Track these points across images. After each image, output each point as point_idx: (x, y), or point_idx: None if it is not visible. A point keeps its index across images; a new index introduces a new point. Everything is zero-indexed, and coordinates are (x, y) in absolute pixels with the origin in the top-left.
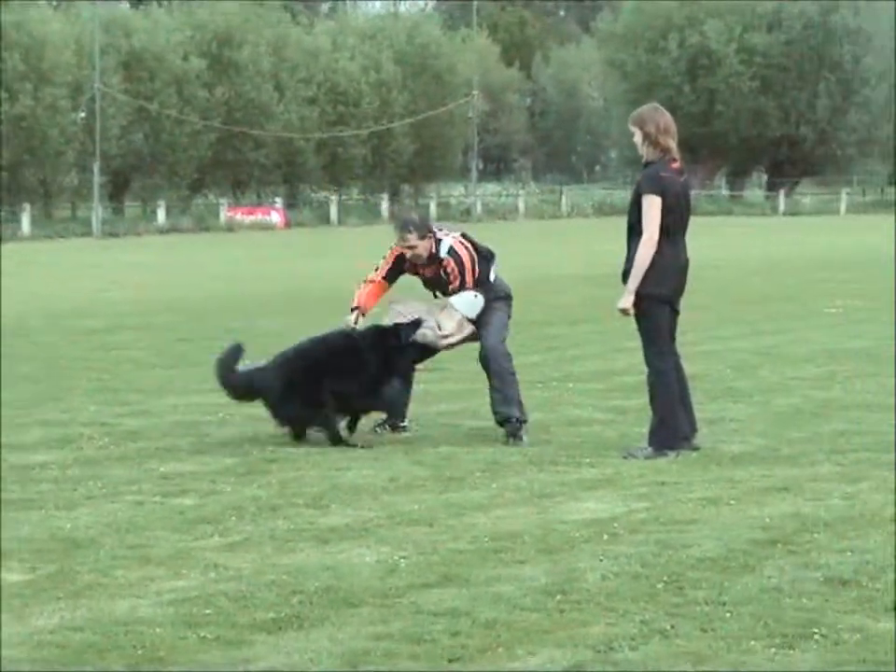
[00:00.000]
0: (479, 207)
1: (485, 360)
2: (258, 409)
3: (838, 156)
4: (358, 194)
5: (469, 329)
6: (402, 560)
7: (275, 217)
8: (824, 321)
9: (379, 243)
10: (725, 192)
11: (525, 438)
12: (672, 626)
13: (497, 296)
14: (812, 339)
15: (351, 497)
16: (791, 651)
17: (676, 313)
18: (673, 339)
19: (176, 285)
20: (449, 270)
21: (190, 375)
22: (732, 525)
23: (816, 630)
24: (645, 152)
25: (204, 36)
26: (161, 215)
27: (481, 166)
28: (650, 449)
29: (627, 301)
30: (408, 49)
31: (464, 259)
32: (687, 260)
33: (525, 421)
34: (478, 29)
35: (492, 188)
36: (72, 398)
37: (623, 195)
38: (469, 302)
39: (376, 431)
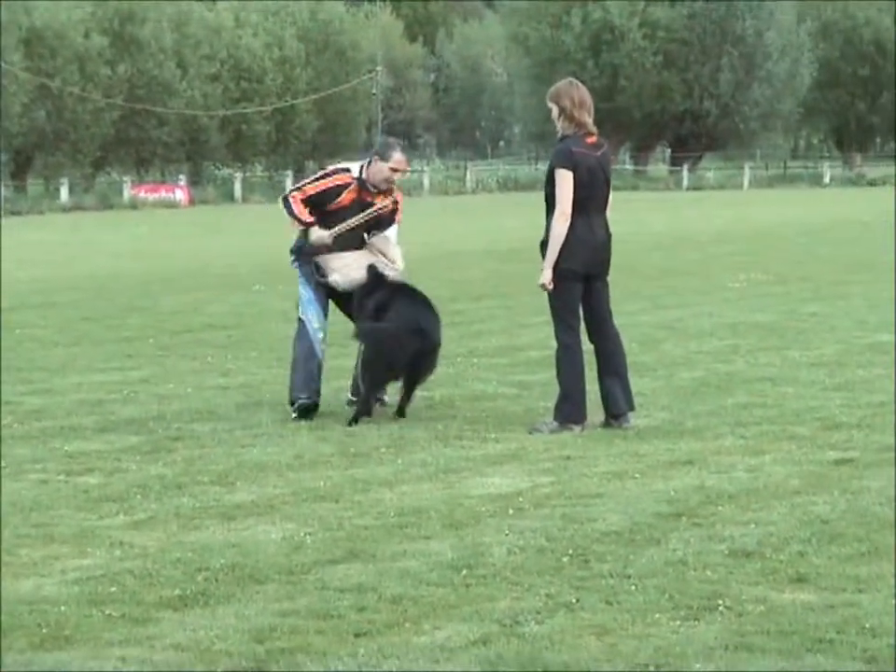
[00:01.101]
0: None
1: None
2: (162, 387)
3: (741, 130)
4: (262, 171)
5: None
6: (308, 536)
7: (179, 195)
8: (727, 295)
9: (283, 219)
10: (629, 167)
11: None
12: (577, 600)
13: None
14: (715, 313)
15: (256, 475)
16: (696, 623)
17: (605, 285)
18: (609, 311)
19: (80, 263)
20: (399, 202)
21: (94, 353)
22: (637, 498)
23: (720, 602)
24: (560, 127)
25: (106, 13)
26: (64, 193)
27: None
28: (554, 423)
29: (545, 276)
30: (311, 26)
31: (400, 201)
32: (606, 236)
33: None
34: (381, 5)
35: None
36: None
37: (528, 171)
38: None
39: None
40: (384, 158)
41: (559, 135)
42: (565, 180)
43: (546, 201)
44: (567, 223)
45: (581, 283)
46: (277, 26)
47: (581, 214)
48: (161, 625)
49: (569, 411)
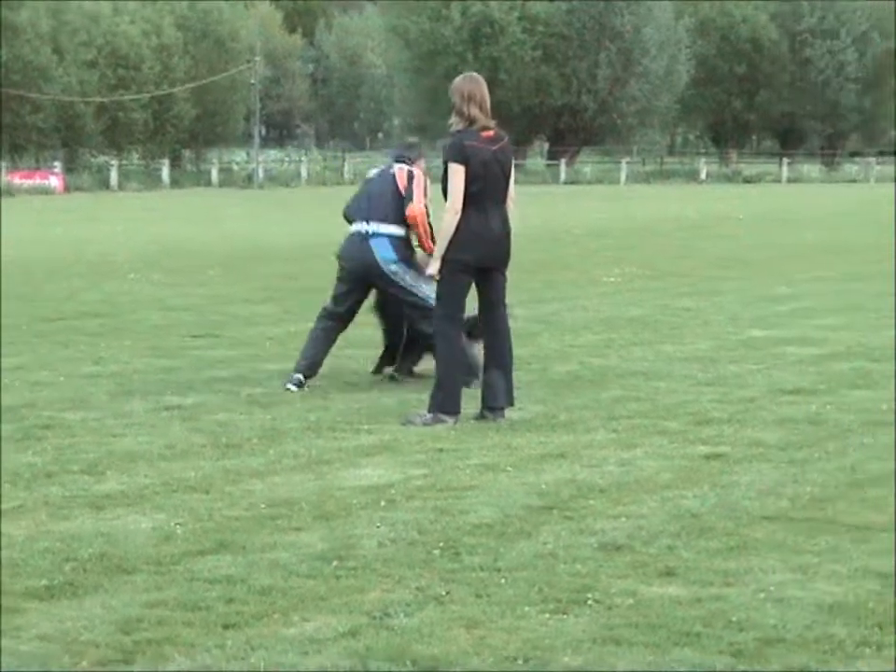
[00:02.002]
0: (261, 174)
1: None
2: (35, 375)
3: (618, 125)
4: (139, 159)
5: None
6: (178, 527)
7: (54, 182)
8: (603, 289)
9: (159, 207)
10: None
11: (289, 387)
12: (447, 592)
13: None
14: (590, 307)
15: (127, 464)
16: (565, 616)
17: (503, 279)
18: (504, 305)
19: None
20: None
21: None
22: (508, 491)
23: (589, 595)
24: (453, 121)
25: None
26: None
27: (263, 132)
28: (428, 415)
29: (432, 267)
30: (190, 15)
31: None
32: (504, 229)
33: (296, 382)
34: None
35: (274, 154)
36: None
37: None
38: None
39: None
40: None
41: (452, 130)
42: (455, 174)
43: (443, 194)
44: (457, 216)
45: (471, 275)
46: (156, 14)
47: (475, 207)
48: (27, 616)
49: (442, 400)
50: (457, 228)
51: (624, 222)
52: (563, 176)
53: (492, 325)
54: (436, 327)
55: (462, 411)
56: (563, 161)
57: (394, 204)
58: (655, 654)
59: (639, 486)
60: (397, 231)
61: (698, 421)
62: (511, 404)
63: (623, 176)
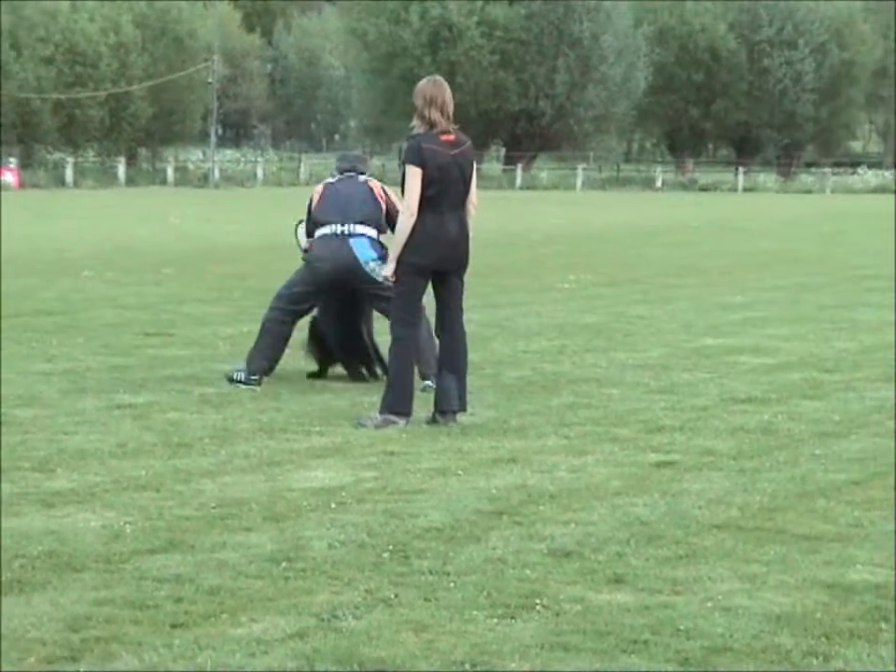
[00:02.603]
0: (217, 173)
1: None
2: None
3: (575, 131)
4: (95, 156)
5: None
6: (128, 525)
7: (9, 178)
8: (556, 295)
9: (114, 205)
10: None
11: (241, 384)
12: (396, 595)
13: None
14: (544, 313)
15: (77, 462)
16: (513, 622)
17: (461, 282)
18: (461, 309)
19: None
20: None
21: None
22: (459, 495)
23: (538, 601)
24: (415, 124)
25: None
26: None
27: (220, 132)
28: (379, 417)
29: (388, 269)
30: (148, 12)
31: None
32: (461, 233)
33: (241, 380)
34: None
35: (231, 154)
36: None
37: None
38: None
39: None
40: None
41: (413, 132)
42: (412, 176)
43: (401, 196)
44: (412, 219)
45: (426, 278)
46: (114, 11)
47: (432, 210)
48: None
49: (392, 401)
50: (413, 231)
51: (580, 228)
52: (519, 182)
53: (448, 328)
54: (391, 329)
55: (413, 413)
56: (519, 166)
57: (374, 208)
58: (603, 661)
59: (590, 493)
60: (373, 234)
61: (650, 429)
62: (464, 409)
63: (579, 183)
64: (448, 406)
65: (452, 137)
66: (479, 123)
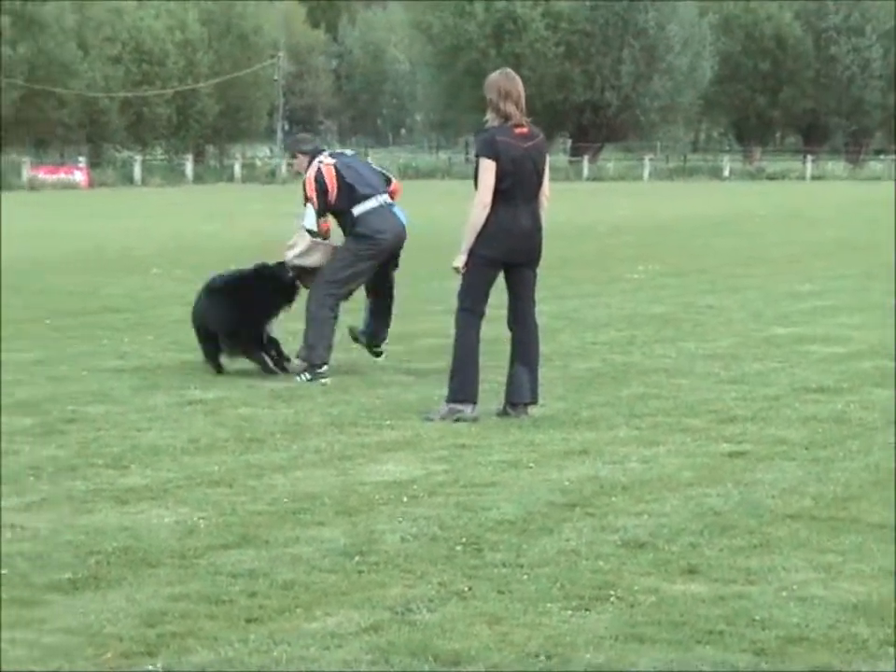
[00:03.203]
0: (284, 169)
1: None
2: (57, 369)
3: (641, 122)
4: (162, 154)
5: (306, 238)
6: (201, 521)
7: (79, 177)
8: (625, 286)
9: (182, 203)
10: None
11: (302, 377)
12: (469, 588)
13: (353, 231)
14: (612, 304)
15: (151, 458)
16: (587, 613)
17: (534, 275)
18: (533, 301)
19: None
20: (305, 186)
21: None
22: (531, 487)
23: (611, 592)
24: (488, 117)
25: None
26: None
27: (286, 128)
28: (445, 407)
29: (459, 259)
30: (214, 9)
31: (308, 181)
32: (534, 225)
33: (314, 364)
34: None
35: None
36: None
37: (429, 159)
38: (303, 214)
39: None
40: None
41: (487, 125)
42: (486, 169)
43: (475, 188)
44: (485, 211)
45: (496, 270)
46: (180, 9)
47: (505, 203)
48: (51, 608)
49: (457, 387)
50: (486, 222)
51: (647, 219)
52: (586, 173)
53: (520, 321)
54: (456, 316)
55: (478, 400)
56: (586, 157)
57: (382, 178)
58: (678, 652)
59: (662, 484)
60: None
61: (721, 419)
62: (536, 401)
63: (646, 173)
64: (519, 398)
65: (525, 130)
66: (545, 115)
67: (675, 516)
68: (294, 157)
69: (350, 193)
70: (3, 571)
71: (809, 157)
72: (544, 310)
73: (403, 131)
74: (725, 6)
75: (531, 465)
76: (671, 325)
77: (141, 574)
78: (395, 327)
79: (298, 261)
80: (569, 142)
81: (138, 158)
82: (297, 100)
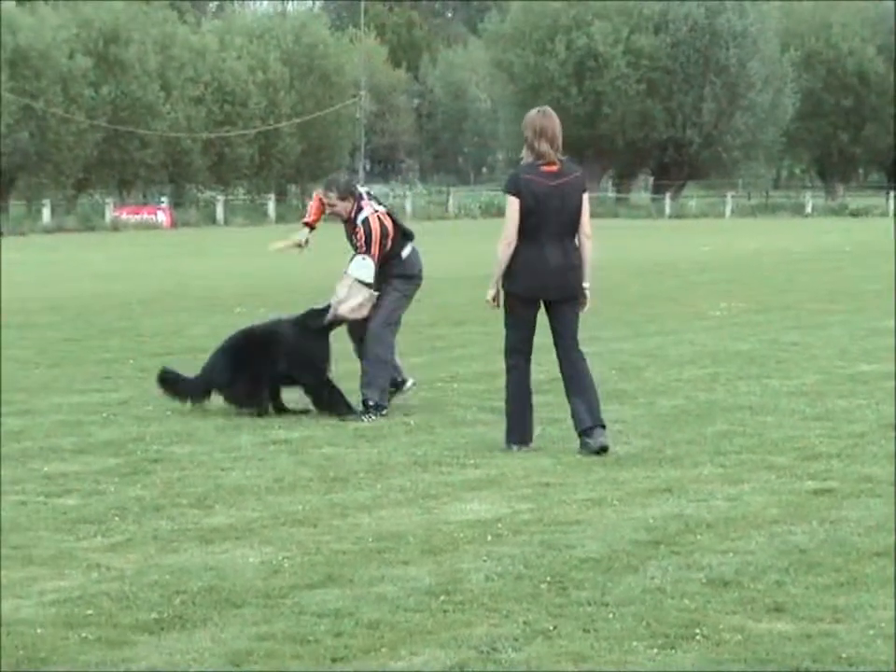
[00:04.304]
0: None
1: (366, 342)
2: (142, 409)
3: (723, 159)
4: (245, 194)
5: (364, 292)
6: (286, 560)
7: (161, 217)
8: (708, 323)
9: (264, 243)
10: (611, 194)
11: (372, 418)
12: (555, 627)
13: (401, 273)
14: (696, 341)
15: (235, 498)
16: (673, 652)
17: (571, 310)
18: (574, 339)
19: (61, 284)
20: (357, 237)
21: (74, 375)
22: (615, 525)
23: (697, 630)
24: (524, 154)
25: (91, 34)
26: (46, 214)
27: (368, 167)
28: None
29: (489, 292)
30: (295, 49)
31: (373, 231)
32: (565, 262)
33: (379, 407)
34: (366, 29)
35: (379, 188)
36: None
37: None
38: (357, 265)
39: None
40: None
41: (522, 163)
42: (509, 206)
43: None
44: (510, 247)
45: (529, 307)
46: (262, 49)
47: (529, 240)
48: (137, 648)
49: (507, 429)
50: (512, 259)
51: (730, 256)
52: (668, 210)
53: (564, 358)
54: (505, 359)
55: (529, 441)
56: (667, 194)
57: None
58: None
59: (747, 522)
60: None
61: (806, 456)
62: (600, 423)
63: (728, 210)
64: (582, 425)
65: (555, 168)
66: (626, 153)
67: (760, 554)
68: (344, 199)
69: (402, 237)
70: (89, 611)
71: (893, 193)
72: (627, 347)
73: (485, 169)
74: (807, 42)
75: (615, 503)
76: (755, 362)
77: (226, 614)
78: (477, 366)
79: (352, 315)
80: (651, 179)
81: (221, 198)
82: (378, 139)
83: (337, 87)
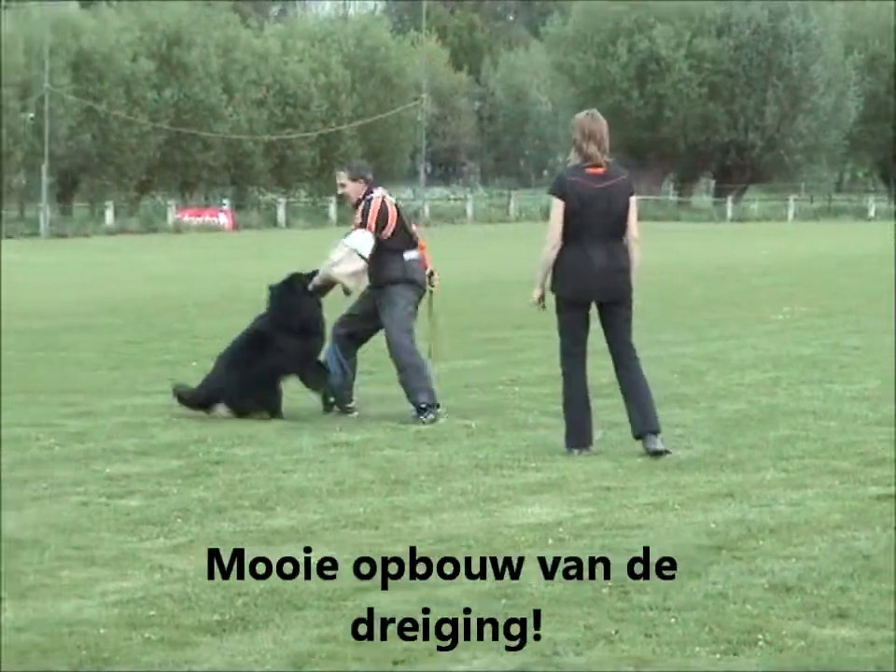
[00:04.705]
0: (427, 211)
1: (392, 355)
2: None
3: (786, 162)
4: (306, 196)
5: (359, 262)
6: (347, 563)
7: (223, 219)
8: (770, 327)
9: (326, 245)
10: (673, 198)
11: (431, 417)
12: (616, 631)
13: (402, 277)
14: (758, 345)
15: (296, 500)
16: (735, 657)
17: (620, 313)
18: (627, 343)
19: (123, 286)
20: (359, 211)
21: (136, 377)
22: (677, 530)
23: (760, 636)
24: (571, 157)
25: (154, 37)
26: (108, 216)
27: (429, 170)
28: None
29: (534, 292)
30: (357, 52)
31: (371, 207)
32: (612, 264)
33: (433, 405)
34: (427, 32)
35: (440, 191)
36: (17, 398)
37: None
38: (358, 238)
39: (326, 411)
40: None
41: (569, 165)
42: (553, 207)
43: None
44: (554, 249)
45: (577, 309)
46: (323, 52)
47: (573, 241)
48: (198, 649)
49: (566, 433)
50: (557, 261)
51: (792, 260)
52: (729, 213)
53: (618, 363)
54: (559, 362)
55: (588, 444)
56: (729, 198)
57: None
58: None
59: (810, 527)
60: None
61: (869, 461)
62: (653, 429)
63: (790, 214)
64: (635, 431)
65: (601, 170)
66: (688, 156)
67: (823, 559)
68: (355, 180)
69: (407, 236)
70: (151, 612)
71: None
72: (688, 351)
73: (546, 172)
74: (871, 44)
75: (677, 507)
76: (818, 366)
77: (288, 615)
78: (539, 369)
79: (344, 279)
80: (713, 183)
81: (282, 200)
82: (439, 142)
83: (398, 89)
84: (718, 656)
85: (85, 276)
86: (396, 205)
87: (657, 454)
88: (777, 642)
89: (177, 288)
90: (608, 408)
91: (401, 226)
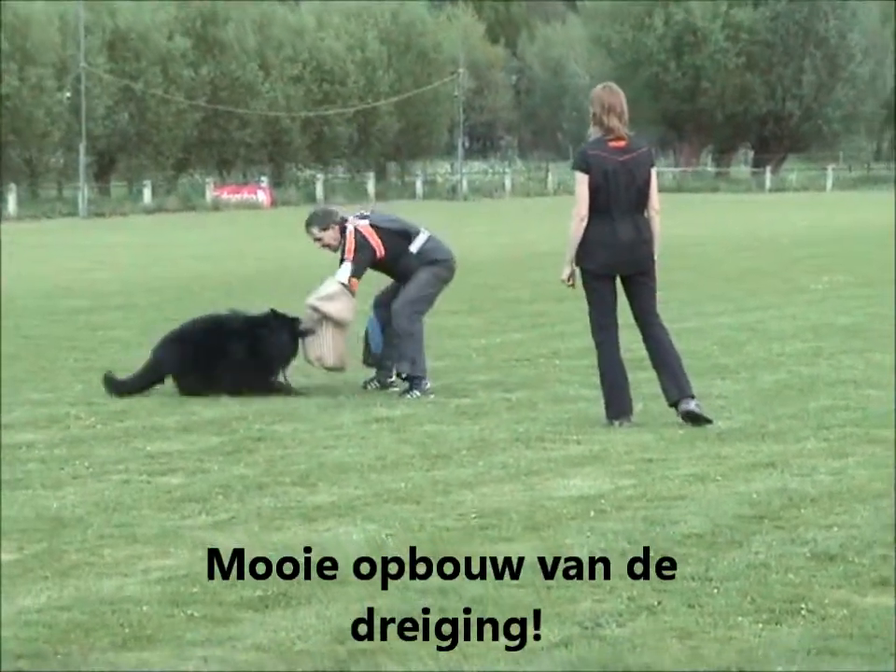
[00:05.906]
0: (465, 185)
1: (392, 317)
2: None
3: (824, 132)
4: (344, 172)
5: (347, 295)
6: (389, 538)
7: (261, 196)
8: (810, 297)
9: None
10: (711, 169)
11: (415, 394)
12: (659, 602)
13: (424, 261)
14: (798, 315)
15: (338, 476)
16: (778, 627)
17: (644, 284)
18: (653, 314)
19: (162, 264)
20: (346, 246)
21: None
22: (718, 501)
23: (802, 605)
24: (591, 131)
25: (189, 15)
26: (146, 194)
27: (467, 144)
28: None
29: (563, 271)
30: (393, 28)
31: (348, 242)
32: (637, 236)
33: (414, 377)
34: (463, 6)
35: (478, 165)
36: (58, 377)
37: None
38: (344, 272)
39: (365, 388)
40: None
41: (590, 139)
42: (578, 182)
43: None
44: (581, 223)
45: (605, 282)
46: (359, 28)
47: (599, 215)
48: (241, 626)
49: (606, 405)
50: (584, 235)
51: (831, 229)
52: (768, 184)
53: (646, 333)
54: (592, 335)
55: (629, 414)
56: (768, 168)
57: None
58: (872, 665)
59: (852, 495)
60: None
61: None
62: (689, 393)
63: (829, 183)
64: (670, 398)
65: (622, 143)
66: (726, 127)
67: (865, 528)
68: (326, 229)
69: (403, 236)
70: (194, 589)
71: None
72: (727, 322)
73: (584, 145)
74: None
75: (718, 478)
76: (858, 336)
77: (330, 591)
78: (579, 342)
79: (318, 304)
80: (751, 153)
81: (320, 176)
82: (477, 116)
83: (435, 64)
84: (760, 626)
85: (124, 255)
86: (371, 224)
87: (695, 417)
88: (820, 611)
89: (218, 266)
90: (647, 381)
91: (389, 234)
